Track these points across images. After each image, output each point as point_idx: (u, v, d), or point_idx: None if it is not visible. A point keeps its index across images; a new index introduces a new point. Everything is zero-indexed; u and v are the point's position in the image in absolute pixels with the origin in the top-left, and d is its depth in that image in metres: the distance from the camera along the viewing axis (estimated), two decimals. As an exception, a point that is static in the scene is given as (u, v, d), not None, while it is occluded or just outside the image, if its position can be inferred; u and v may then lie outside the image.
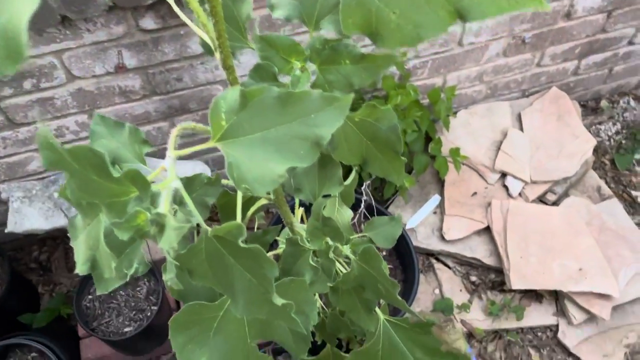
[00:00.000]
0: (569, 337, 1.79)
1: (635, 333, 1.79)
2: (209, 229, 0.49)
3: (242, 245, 0.47)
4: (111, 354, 1.66)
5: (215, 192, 0.67)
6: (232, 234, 0.47)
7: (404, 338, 0.79)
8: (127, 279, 0.61)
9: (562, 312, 1.83)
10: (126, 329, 1.54)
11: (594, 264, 1.79)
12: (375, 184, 1.93)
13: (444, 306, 1.83)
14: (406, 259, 1.66)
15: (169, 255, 0.48)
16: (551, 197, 2.00)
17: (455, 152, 1.84)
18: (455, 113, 2.11)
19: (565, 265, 1.79)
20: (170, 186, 0.49)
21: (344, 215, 0.90)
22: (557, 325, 1.82)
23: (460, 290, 1.89)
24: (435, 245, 1.92)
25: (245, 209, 0.86)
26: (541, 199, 2.01)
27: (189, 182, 0.67)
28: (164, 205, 0.48)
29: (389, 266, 1.73)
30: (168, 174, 0.50)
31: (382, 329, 0.79)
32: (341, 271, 0.74)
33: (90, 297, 1.58)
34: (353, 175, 0.95)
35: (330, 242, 0.70)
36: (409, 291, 1.56)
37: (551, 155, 2.01)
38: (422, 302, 1.88)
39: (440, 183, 2.04)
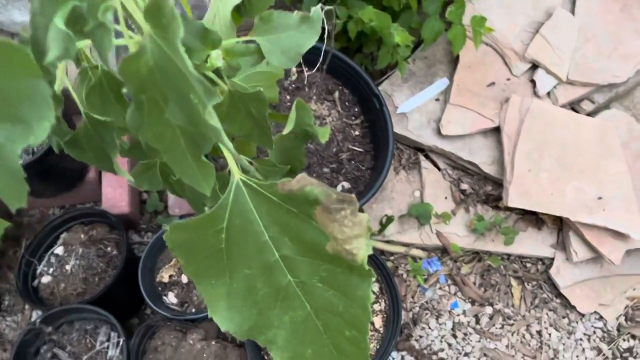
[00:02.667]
0: (563, 275, 1.46)
1: (646, 286, 1.46)
2: None
3: None
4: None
5: None
6: None
7: (268, 220, 0.44)
8: None
9: (562, 245, 1.49)
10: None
11: (619, 194, 1.41)
12: (369, 47, 1.52)
13: (420, 211, 1.49)
14: (381, 145, 1.30)
15: None
16: (587, 107, 1.58)
17: (478, 21, 1.40)
18: (492, -21, 1.63)
19: (582, 190, 1.42)
20: None
21: (226, 3, 0.52)
22: (552, 259, 1.49)
23: (446, 198, 1.55)
24: (428, 138, 1.54)
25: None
26: (573, 106, 1.59)
27: None
28: None
29: (359, 149, 1.37)
30: None
31: (234, 196, 0.44)
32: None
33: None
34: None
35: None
36: (373, 182, 1.21)
37: (602, 52, 1.56)
38: (397, 203, 1.54)
39: (453, 64, 1.61)
